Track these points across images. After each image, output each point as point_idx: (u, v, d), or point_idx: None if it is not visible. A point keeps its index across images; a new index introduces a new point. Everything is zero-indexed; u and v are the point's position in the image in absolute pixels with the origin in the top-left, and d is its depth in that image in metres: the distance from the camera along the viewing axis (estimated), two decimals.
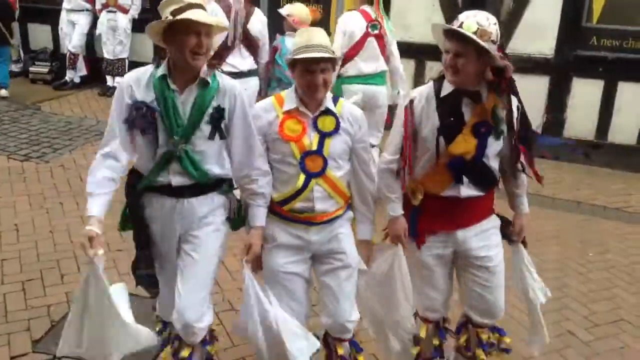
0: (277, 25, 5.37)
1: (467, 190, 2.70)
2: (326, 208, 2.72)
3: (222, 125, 2.58)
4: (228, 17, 4.87)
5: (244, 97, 2.64)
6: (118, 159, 2.58)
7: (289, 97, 2.72)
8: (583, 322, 3.86)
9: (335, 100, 2.74)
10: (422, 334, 2.99)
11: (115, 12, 8.41)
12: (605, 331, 3.77)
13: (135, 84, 2.52)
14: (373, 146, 4.84)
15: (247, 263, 2.66)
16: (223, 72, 2.73)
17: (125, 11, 8.43)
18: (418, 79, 7.06)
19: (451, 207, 2.73)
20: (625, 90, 6.48)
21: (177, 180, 2.59)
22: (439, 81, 2.70)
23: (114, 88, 8.60)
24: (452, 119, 2.62)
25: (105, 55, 8.59)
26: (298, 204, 2.70)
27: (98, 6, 8.47)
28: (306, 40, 2.59)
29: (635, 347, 3.63)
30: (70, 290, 3.90)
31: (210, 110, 2.53)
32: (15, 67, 9.11)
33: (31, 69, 9.11)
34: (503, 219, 2.95)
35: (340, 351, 2.88)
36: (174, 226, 2.68)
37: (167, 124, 2.50)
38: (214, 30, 2.50)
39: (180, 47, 2.42)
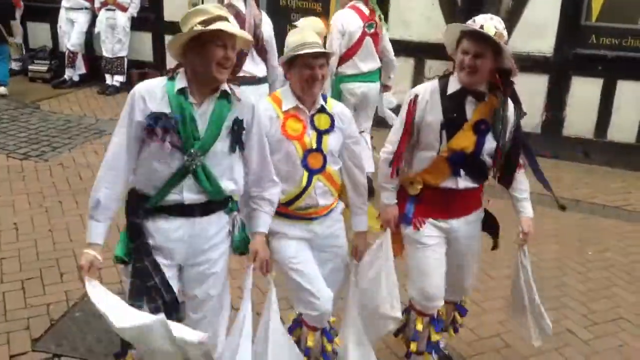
0: (278, 29, 5.30)
1: (463, 183, 2.85)
2: (327, 202, 2.88)
3: (242, 138, 2.52)
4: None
5: (259, 107, 2.63)
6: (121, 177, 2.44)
7: (286, 96, 2.80)
8: (582, 320, 3.86)
9: (324, 98, 2.86)
10: (419, 327, 3.06)
11: (114, 10, 8.39)
12: (604, 329, 3.78)
13: (149, 96, 2.38)
14: (362, 132, 4.98)
15: (253, 270, 2.65)
16: (241, 78, 2.78)
17: (124, 9, 8.41)
18: (417, 77, 7.04)
19: (448, 198, 2.89)
20: (625, 89, 6.49)
21: (190, 197, 2.45)
22: (444, 79, 2.83)
23: (113, 86, 8.62)
24: (455, 115, 2.76)
25: (104, 54, 8.58)
26: (304, 202, 2.82)
27: (97, 4, 8.45)
28: (301, 39, 2.73)
29: (634, 345, 3.64)
30: (69, 289, 3.91)
31: (228, 122, 2.45)
32: (14, 66, 9.09)
33: (30, 67, 9.09)
34: (488, 214, 3.10)
35: (310, 342, 3.01)
36: (176, 252, 2.51)
37: (183, 137, 2.37)
38: (238, 43, 2.44)
39: (206, 60, 2.33)
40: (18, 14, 8.78)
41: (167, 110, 2.36)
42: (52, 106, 8.05)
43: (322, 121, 2.80)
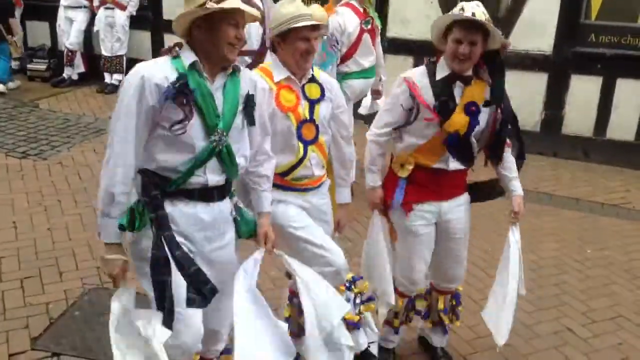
0: None
1: (453, 164, 2.92)
2: (320, 172, 2.94)
3: (254, 113, 2.44)
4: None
5: (261, 81, 2.59)
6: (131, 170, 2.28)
7: (276, 68, 2.80)
8: (581, 318, 3.86)
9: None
10: (399, 306, 3.21)
11: (112, 8, 8.38)
12: (603, 328, 3.78)
13: (159, 76, 2.21)
14: None
15: (268, 252, 2.59)
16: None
17: (123, 8, 8.40)
18: None
19: (438, 179, 2.96)
20: (624, 87, 6.48)
21: (213, 179, 2.34)
22: (431, 66, 2.89)
23: (111, 85, 8.60)
24: (446, 98, 2.82)
25: (103, 52, 8.57)
26: (299, 172, 2.85)
27: (96, 3, 8.44)
28: (295, 10, 2.69)
29: (633, 343, 3.64)
30: (68, 288, 3.90)
31: (241, 98, 2.38)
32: (13, 64, 9.07)
33: (29, 66, 9.07)
34: (471, 184, 3.16)
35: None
36: (197, 239, 2.40)
37: (205, 114, 2.25)
38: (247, 20, 2.35)
39: (217, 39, 2.23)
40: (18, 12, 8.77)
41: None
42: (51, 105, 8.04)
43: (313, 91, 2.82)
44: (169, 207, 2.31)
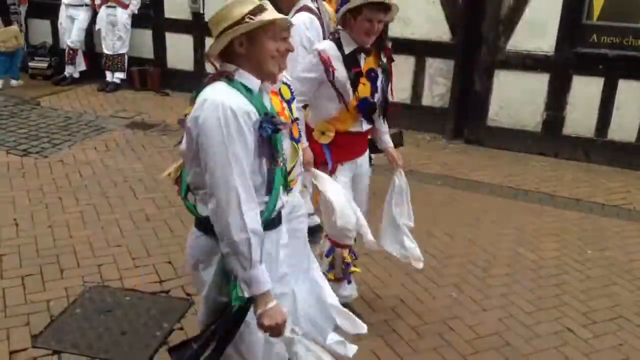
0: None
1: (366, 125, 3.39)
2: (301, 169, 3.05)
3: None
4: None
5: None
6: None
7: None
8: (582, 319, 3.86)
9: None
10: (342, 257, 3.49)
11: (114, 7, 8.37)
12: (604, 328, 3.77)
13: (248, 109, 2.08)
14: None
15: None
16: None
17: (125, 6, 8.39)
18: (418, 75, 7.05)
19: (356, 140, 3.42)
20: (625, 88, 6.47)
21: (285, 198, 2.31)
22: (337, 41, 3.26)
23: (113, 83, 8.61)
24: (356, 69, 3.24)
25: (105, 51, 8.56)
26: (297, 171, 2.87)
27: (97, 1, 8.42)
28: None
29: (634, 344, 3.63)
30: (69, 285, 3.91)
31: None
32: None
33: (30, 64, 9.05)
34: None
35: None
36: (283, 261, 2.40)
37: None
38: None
39: (264, 55, 2.13)
40: (23, 9, 8.78)
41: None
42: (52, 103, 8.04)
43: (285, 91, 2.82)
44: (267, 244, 2.20)
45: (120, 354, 3.32)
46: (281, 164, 2.24)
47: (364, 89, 3.26)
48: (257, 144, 2.10)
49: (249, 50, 2.12)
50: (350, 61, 3.22)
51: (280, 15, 2.17)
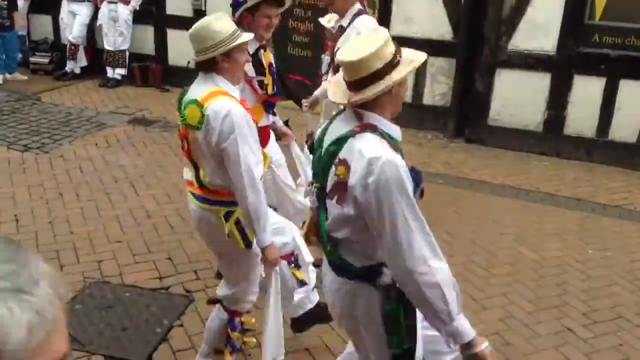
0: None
1: (273, 117, 3.62)
2: None
3: None
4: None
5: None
6: None
7: (232, 90, 2.83)
8: (582, 319, 3.86)
9: None
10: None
11: (116, 3, 8.36)
12: (604, 328, 3.78)
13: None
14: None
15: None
16: None
17: (126, 2, 8.38)
18: (419, 74, 7.04)
19: (265, 132, 3.50)
20: (627, 88, 6.47)
21: None
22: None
23: (114, 79, 8.61)
24: (261, 67, 3.42)
25: (106, 47, 8.56)
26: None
27: None
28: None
29: (634, 344, 3.63)
30: (70, 281, 3.90)
31: None
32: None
33: (32, 59, 9.05)
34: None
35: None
36: None
37: None
38: None
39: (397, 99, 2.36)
40: (25, 4, 8.76)
41: None
42: (53, 98, 8.03)
43: None
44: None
45: (121, 350, 3.32)
46: None
47: (269, 85, 3.46)
48: None
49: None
50: (256, 59, 3.39)
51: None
